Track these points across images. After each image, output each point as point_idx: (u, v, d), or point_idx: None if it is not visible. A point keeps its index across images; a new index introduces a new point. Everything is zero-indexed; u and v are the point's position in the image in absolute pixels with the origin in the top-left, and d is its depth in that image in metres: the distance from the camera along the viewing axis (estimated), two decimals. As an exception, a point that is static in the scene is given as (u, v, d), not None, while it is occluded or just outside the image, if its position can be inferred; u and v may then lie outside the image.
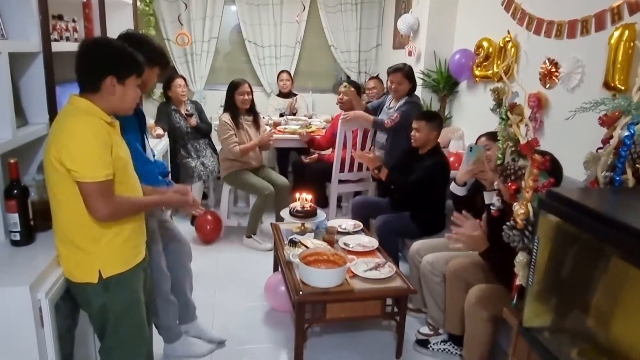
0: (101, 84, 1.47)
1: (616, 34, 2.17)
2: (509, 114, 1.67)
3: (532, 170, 1.34)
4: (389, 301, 2.36)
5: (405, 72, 3.51)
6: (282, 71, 5.09)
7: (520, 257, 1.43)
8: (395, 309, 2.37)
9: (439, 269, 2.44)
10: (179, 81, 4.06)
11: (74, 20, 2.43)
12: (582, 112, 1.44)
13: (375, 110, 3.81)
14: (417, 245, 2.72)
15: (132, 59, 1.53)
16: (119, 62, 1.50)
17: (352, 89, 3.89)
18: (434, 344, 2.46)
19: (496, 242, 1.87)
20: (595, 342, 1.23)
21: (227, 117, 3.60)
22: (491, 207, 1.99)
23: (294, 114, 4.96)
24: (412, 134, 2.99)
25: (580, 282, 1.26)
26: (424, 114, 3.12)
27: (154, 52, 1.77)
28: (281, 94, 5.08)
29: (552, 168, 1.67)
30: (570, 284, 1.29)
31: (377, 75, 4.93)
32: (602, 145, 1.49)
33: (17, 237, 1.66)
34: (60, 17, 2.28)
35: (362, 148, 3.85)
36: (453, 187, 2.54)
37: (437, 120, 2.99)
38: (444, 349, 2.44)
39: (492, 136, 2.42)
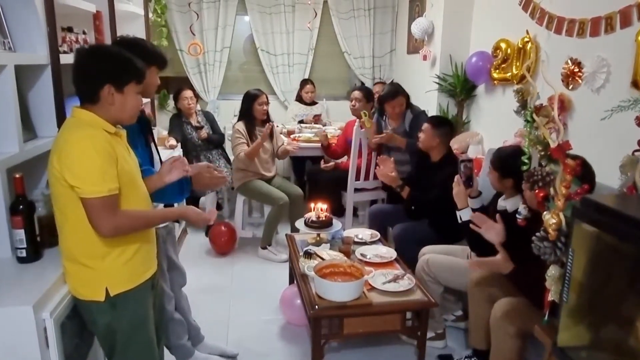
0: (99, 94, 1.40)
1: (644, 30, 2.06)
2: (534, 115, 1.57)
3: (564, 177, 1.23)
4: (409, 315, 2.26)
5: (402, 92, 3.47)
6: (306, 82, 5.00)
7: (552, 271, 1.32)
8: (416, 323, 2.27)
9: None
10: (186, 93, 4.03)
11: (84, 32, 2.41)
12: (620, 112, 1.33)
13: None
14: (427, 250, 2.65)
15: (129, 64, 1.44)
16: (115, 70, 1.41)
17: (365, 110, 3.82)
18: (457, 360, 2.35)
19: (521, 254, 1.76)
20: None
21: (241, 126, 3.57)
22: (517, 215, 1.88)
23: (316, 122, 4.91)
24: (419, 134, 2.94)
25: (621, 297, 1.15)
26: (432, 118, 3.05)
27: (147, 52, 1.71)
28: (303, 102, 5.03)
29: (583, 173, 1.56)
30: (610, 299, 1.18)
31: (392, 80, 4.86)
32: (638, 147, 1.38)
33: (24, 253, 1.62)
34: (69, 29, 2.27)
35: (378, 156, 3.76)
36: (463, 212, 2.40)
37: (444, 127, 2.88)
38: (469, 365, 2.32)
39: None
